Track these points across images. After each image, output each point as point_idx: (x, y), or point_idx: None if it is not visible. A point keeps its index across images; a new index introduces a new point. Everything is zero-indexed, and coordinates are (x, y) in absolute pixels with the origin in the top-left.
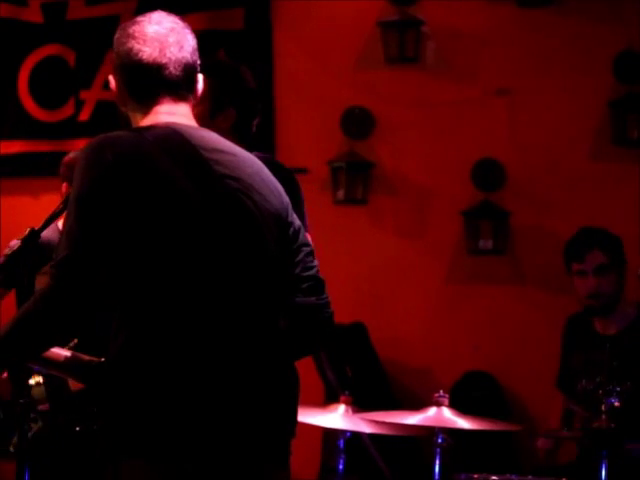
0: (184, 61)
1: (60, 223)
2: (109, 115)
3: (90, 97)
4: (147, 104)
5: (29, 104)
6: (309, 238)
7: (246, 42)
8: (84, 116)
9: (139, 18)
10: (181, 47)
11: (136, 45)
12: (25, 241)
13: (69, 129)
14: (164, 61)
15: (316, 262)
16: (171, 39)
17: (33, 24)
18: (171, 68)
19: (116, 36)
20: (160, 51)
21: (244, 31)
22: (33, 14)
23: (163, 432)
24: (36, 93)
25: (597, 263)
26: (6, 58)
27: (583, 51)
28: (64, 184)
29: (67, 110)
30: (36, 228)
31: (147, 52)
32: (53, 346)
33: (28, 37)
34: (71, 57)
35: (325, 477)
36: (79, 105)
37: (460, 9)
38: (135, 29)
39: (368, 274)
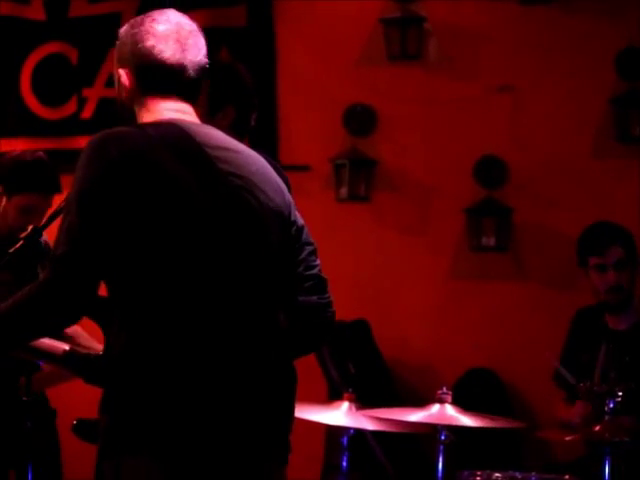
0: (201, 64)
1: None
2: (111, 113)
3: (92, 95)
4: (157, 102)
5: (32, 102)
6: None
7: (249, 39)
8: (87, 114)
9: (156, 16)
10: (199, 50)
11: (158, 44)
12: (28, 239)
13: (71, 127)
14: (185, 63)
15: (318, 261)
16: (191, 41)
17: (35, 22)
18: (190, 71)
19: (131, 32)
20: (182, 52)
21: (247, 28)
22: (35, 12)
23: (166, 430)
24: (38, 91)
25: (617, 257)
26: (8, 56)
27: (585, 48)
28: None
29: (69, 108)
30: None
31: (170, 53)
32: (38, 338)
33: (30, 35)
34: (73, 55)
35: (328, 474)
36: (81, 103)
37: (462, 6)
38: (155, 27)
39: (371, 271)
